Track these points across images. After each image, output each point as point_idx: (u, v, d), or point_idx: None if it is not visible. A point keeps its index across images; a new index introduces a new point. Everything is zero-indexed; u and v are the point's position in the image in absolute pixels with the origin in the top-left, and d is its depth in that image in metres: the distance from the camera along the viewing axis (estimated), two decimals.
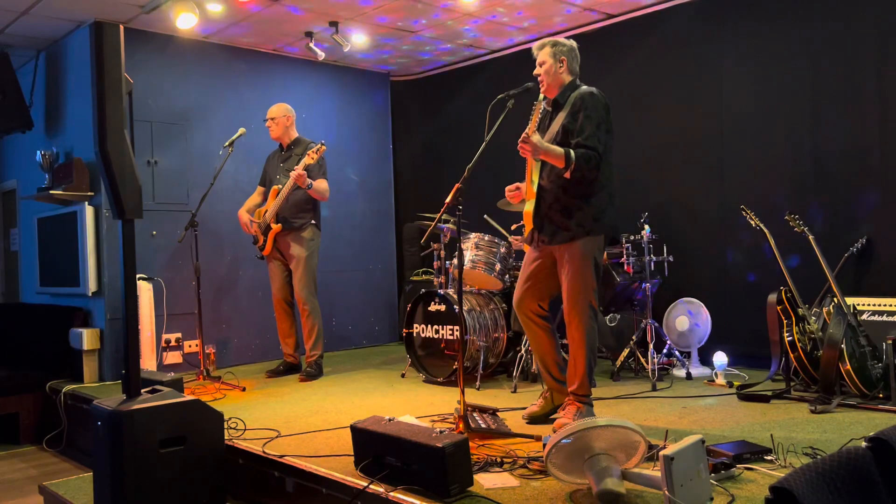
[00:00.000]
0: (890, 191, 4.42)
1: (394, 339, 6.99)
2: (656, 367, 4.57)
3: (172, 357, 5.60)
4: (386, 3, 5.22)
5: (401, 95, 7.25)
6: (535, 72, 3.60)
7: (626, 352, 4.85)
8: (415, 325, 5.01)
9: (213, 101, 5.93)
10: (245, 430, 3.69)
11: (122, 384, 3.15)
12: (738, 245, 5.05)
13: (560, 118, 3.52)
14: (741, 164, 5.05)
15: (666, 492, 2.20)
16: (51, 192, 5.45)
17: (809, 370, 4.05)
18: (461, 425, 3.30)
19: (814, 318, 4.16)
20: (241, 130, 5.23)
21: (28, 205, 6.25)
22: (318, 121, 6.48)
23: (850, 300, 4.06)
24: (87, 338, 5.26)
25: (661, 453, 2.24)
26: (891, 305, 4.11)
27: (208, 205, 5.32)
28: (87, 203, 5.40)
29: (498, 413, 3.61)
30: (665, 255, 4.88)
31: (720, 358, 4.54)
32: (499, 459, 2.97)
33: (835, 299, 4.01)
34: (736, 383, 4.36)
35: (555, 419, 3.59)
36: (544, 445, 2.66)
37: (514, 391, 4.49)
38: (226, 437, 3.40)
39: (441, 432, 2.72)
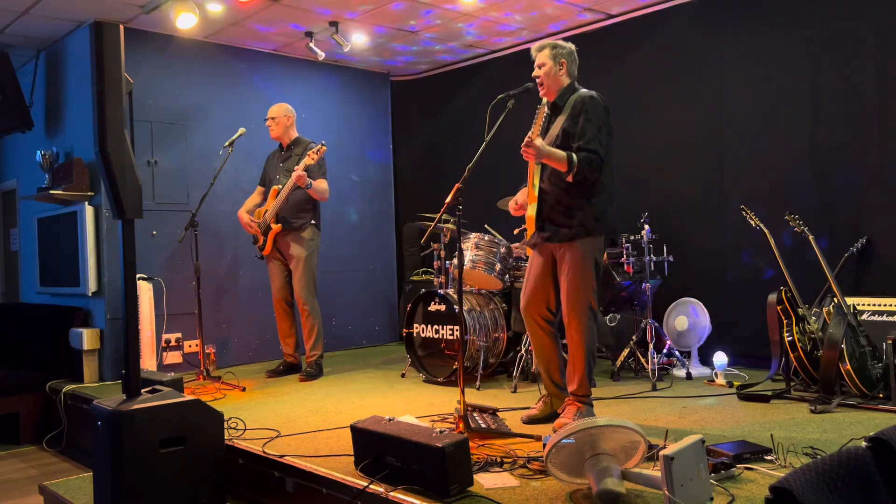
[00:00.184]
0: (890, 191, 4.42)
1: (394, 339, 6.99)
2: (656, 367, 4.57)
3: (172, 357, 5.60)
4: (386, 2, 5.22)
5: (401, 95, 7.25)
6: (534, 74, 3.60)
7: (626, 352, 4.85)
8: (415, 325, 5.01)
9: (213, 101, 5.93)
10: (245, 430, 3.69)
11: (122, 384, 3.15)
12: (739, 245, 5.05)
13: (560, 121, 3.52)
14: (741, 164, 5.05)
15: (666, 492, 2.20)
16: (51, 192, 5.45)
17: (809, 370, 4.05)
18: (461, 425, 3.31)
19: (814, 318, 4.16)
20: (241, 130, 5.23)
21: (28, 205, 6.25)
22: (318, 121, 6.48)
23: (850, 300, 4.06)
24: (87, 338, 5.26)
25: (661, 453, 2.24)
26: (891, 305, 4.11)
27: (208, 205, 5.32)
28: (87, 203, 5.40)
29: (498, 413, 3.61)
30: (665, 255, 4.88)
31: (720, 358, 4.54)
32: (499, 459, 2.97)
33: (835, 299, 4.01)
34: (736, 383, 4.37)
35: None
36: (544, 445, 2.66)
37: (514, 391, 4.49)
38: (226, 437, 3.40)
39: (441, 432, 2.72)
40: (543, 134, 3.57)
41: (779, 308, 4.20)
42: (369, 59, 6.66)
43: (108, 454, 2.98)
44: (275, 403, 4.40)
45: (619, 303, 5.05)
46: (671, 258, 4.87)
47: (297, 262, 5.11)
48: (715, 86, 5.19)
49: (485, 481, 2.73)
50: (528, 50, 3.69)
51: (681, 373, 4.78)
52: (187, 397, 3.25)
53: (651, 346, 4.63)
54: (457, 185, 3.37)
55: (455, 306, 4.66)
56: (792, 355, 4.11)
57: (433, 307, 4.88)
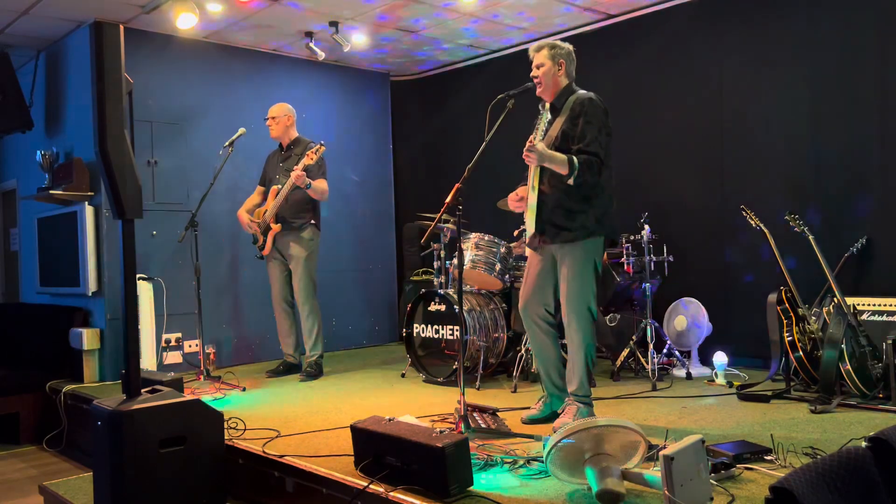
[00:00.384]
0: (890, 191, 4.42)
1: (394, 339, 6.98)
2: (656, 367, 4.57)
3: (172, 357, 5.60)
4: (386, 2, 5.22)
5: (401, 95, 7.24)
6: (533, 74, 3.59)
7: (626, 352, 4.85)
8: (415, 325, 5.01)
9: (213, 101, 5.93)
10: (245, 430, 3.69)
11: (122, 384, 3.15)
12: (738, 245, 5.05)
13: (559, 123, 3.52)
14: (741, 164, 5.05)
15: (666, 492, 2.20)
16: (51, 192, 5.45)
17: (809, 370, 4.05)
18: (461, 425, 3.31)
19: (814, 318, 4.16)
20: (241, 130, 5.23)
21: (28, 205, 6.25)
22: (317, 121, 6.48)
23: (850, 300, 4.05)
24: (87, 338, 5.26)
25: (661, 453, 2.24)
26: (891, 305, 4.11)
27: (208, 205, 5.31)
28: (87, 203, 5.40)
29: (498, 413, 3.61)
30: (665, 255, 4.88)
31: (720, 358, 4.54)
32: (499, 459, 2.97)
33: (835, 299, 4.01)
34: (736, 383, 4.37)
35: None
36: (544, 445, 2.66)
37: (514, 391, 4.49)
38: (226, 437, 3.40)
39: (441, 432, 2.72)
40: (542, 135, 3.57)
41: (779, 308, 4.21)
42: (369, 59, 6.66)
43: (108, 454, 2.98)
44: (275, 403, 4.40)
45: (619, 303, 5.04)
46: (671, 258, 4.87)
47: (297, 261, 5.11)
48: (715, 86, 5.18)
49: (485, 481, 2.73)
50: (528, 50, 3.69)
51: (681, 373, 4.78)
52: (187, 397, 3.26)
53: (651, 346, 4.63)
54: (457, 185, 3.37)
55: (455, 306, 4.66)
56: (792, 355, 4.11)
57: (433, 307, 4.88)
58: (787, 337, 4.14)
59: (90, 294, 5.37)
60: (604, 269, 4.92)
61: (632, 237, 4.85)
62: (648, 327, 4.69)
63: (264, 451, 3.31)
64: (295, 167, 4.94)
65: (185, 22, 5.08)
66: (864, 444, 1.86)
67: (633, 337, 4.87)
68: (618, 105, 4.77)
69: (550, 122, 3.59)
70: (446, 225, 5.12)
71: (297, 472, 3.10)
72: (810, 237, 4.23)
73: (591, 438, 2.53)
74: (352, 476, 2.88)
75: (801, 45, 4.76)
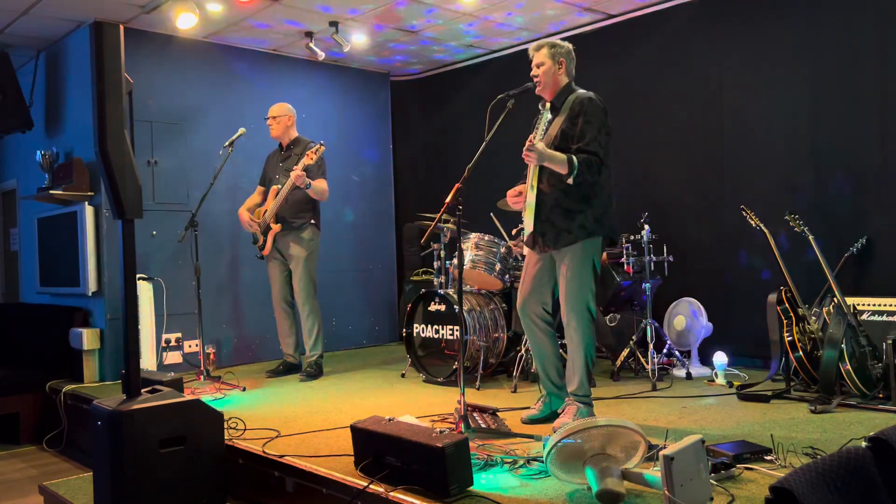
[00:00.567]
0: (890, 191, 4.42)
1: (394, 339, 6.98)
2: (656, 367, 4.57)
3: (172, 357, 5.60)
4: (386, 2, 5.22)
5: (400, 95, 7.25)
6: (532, 73, 3.59)
7: (626, 352, 4.85)
8: (415, 325, 5.01)
9: (213, 101, 5.93)
10: (245, 430, 3.69)
11: (122, 384, 3.15)
12: (739, 245, 5.05)
13: (558, 122, 3.52)
14: (741, 164, 5.05)
15: (666, 492, 2.20)
16: (51, 192, 5.45)
17: (809, 370, 4.05)
18: (461, 425, 3.31)
19: (814, 318, 4.16)
20: (241, 130, 5.23)
21: (28, 205, 6.25)
22: (318, 121, 6.48)
23: (850, 300, 4.06)
24: (87, 338, 5.26)
25: (661, 453, 2.24)
26: (891, 305, 4.11)
27: (208, 205, 5.31)
28: (87, 203, 5.40)
29: (498, 413, 3.61)
30: (665, 255, 4.88)
31: (720, 358, 4.54)
32: (499, 459, 2.97)
33: (835, 299, 4.01)
34: (736, 383, 4.37)
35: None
36: (544, 445, 2.66)
37: (514, 391, 4.49)
38: (226, 437, 3.40)
39: (441, 432, 2.72)
40: (542, 135, 3.57)
41: (779, 308, 4.21)
42: (369, 59, 6.66)
43: (108, 454, 2.98)
44: (275, 403, 4.40)
45: (619, 303, 5.04)
46: (671, 258, 4.87)
47: (297, 261, 5.12)
48: (715, 86, 5.18)
49: (485, 481, 2.73)
50: (528, 49, 3.68)
51: (681, 373, 4.78)
52: (187, 397, 3.26)
53: (651, 346, 4.63)
54: (457, 185, 3.37)
55: (455, 306, 4.66)
56: (792, 355, 4.11)
57: (433, 307, 4.88)
58: (787, 337, 4.14)
59: (90, 294, 5.37)
60: (604, 269, 4.92)
61: (632, 237, 4.85)
62: (648, 327, 4.69)
63: (264, 451, 3.31)
64: (295, 167, 4.94)
65: (185, 22, 5.08)
66: (864, 444, 1.86)
67: (633, 337, 4.87)
68: (618, 105, 4.77)
69: (550, 122, 3.59)
70: (446, 225, 5.12)
71: (297, 472, 3.10)
72: (810, 237, 4.23)
73: (590, 438, 2.53)
74: (352, 476, 2.88)
75: (801, 45, 4.76)
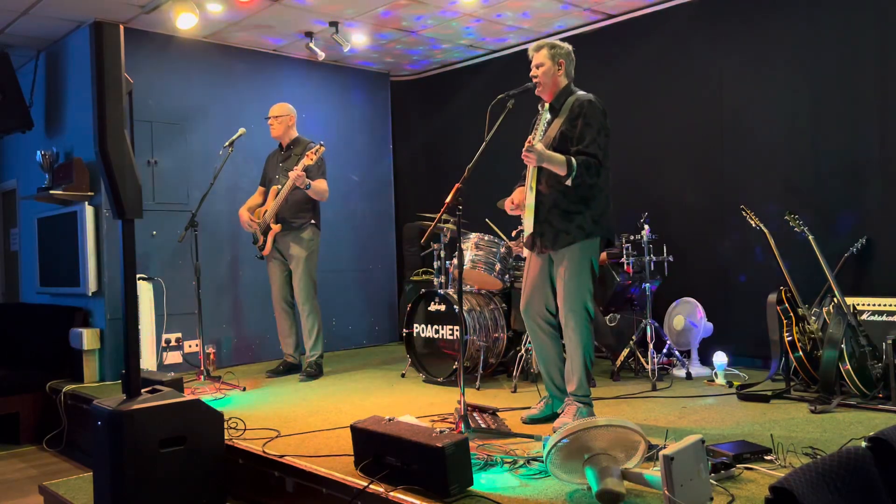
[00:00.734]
0: (890, 190, 4.42)
1: (394, 339, 6.98)
2: (656, 367, 4.57)
3: (172, 357, 5.60)
4: (386, 2, 5.22)
5: (401, 95, 7.25)
6: (532, 73, 3.59)
7: (626, 352, 4.85)
8: (415, 325, 5.01)
9: (213, 101, 5.93)
10: (245, 430, 3.69)
11: (122, 384, 3.15)
12: (739, 245, 5.05)
13: (557, 124, 3.52)
14: (741, 164, 5.05)
15: (666, 492, 2.20)
16: (51, 192, 5.45)
17: (809, 370, 4.05)
18: (461, 425, 3.31)
19: (814, 318, 4.16)
20: (241, 130, 5.23)
21: (28, 205, 6.25)
22: (318, 121, 6.48)
23: (850, 300, 4.06)
24: (87, 338, 5.26)
25: (661, 453, 2.24)
26: (891, 305, 4.11)
27: (208, 205, 5.31)
28: (87, 203, 5.40)
29: (498, 413, 3.61)
30: (665, 255, 4.88)
31: (720, 358, 4.54)
32: (499, 459, 2.97)
33: (835, 299, 4.01)
34: (736, 383, 4.37)
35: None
36: (544, 445, 2.66)
37: (514, 391, 4.49)
38: (226, 437, 3.40)
39: (441, 432, 2.72)
40: (541, 136, 3.57)
41: (779, 308, 4.21)
42: (369, 59, 6.66)
43: (108, 454, 2.98)
44: (275, 403, 4.40)
45: (618, 303, 5.04)
46: (671, 258, 4.87)
47: (297, 262, 5.12)
48: (715, 86, 5.18)
49: (485, 481, 2.73)
50: (527, 50, 3.68)
51: (681, 373, 4.78)
52: (187, 397, 3.26)
53: (651, 346, 4.63)
54: (457, 185, 3.37)
55: (455, 306, 4.66)
56: (792, 355, 4.11)
57: (433, 307, 4.88)
58: (787, 337, 4.14)
59: (90, 294, 5.37)
60: (603, 269, 4.93)
61: (632, 237, 4.85)
62: (648, 327, 4.69)
63: (264, 451, 3.31)
64: (294, 167, 4.94)
65: (185, 22, 5.07)
66: (864, 444, 1.86)
67: (633, 337, 4.87)
68: (618, 105, 4.77)
69: (549, 123, 3.59)
70: (446, 225, 5.12)
71: (297, 472, 3.10)
72: (810, 237, 4.23)
73: (590, 438, 2.53)
74: (352, 476, 2.88)
75: (801, 45, 4.76)
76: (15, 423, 5.15)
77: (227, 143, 5.17)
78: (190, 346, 5.68)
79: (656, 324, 4.75)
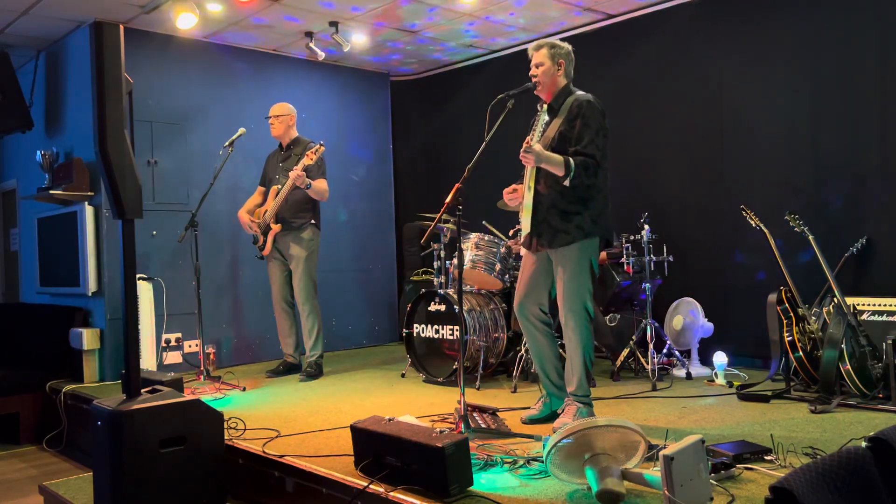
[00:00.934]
0: (890, 190, 4.42)
1: (394, 339, 6.98)
2: (656, 367, 4.57)
3: (172, 357, 5.60)
4: (386, 2, 5.22)
5: (401, 95, 7.25)
6: (532, 73, 3.59)
7: (626, 352, 4.85)
8: (415, 325, 5.01)
9: (213, 101, 5.93)
10: (245, 430, 3.69)
11: (122, 384, 3.15)
12: (739, 245, 5.05)
13: (556, 124, 3.52)
14: (741, 164, 5.05)
15: (666, 492, 2.20)
16: (51, 192, 5.45)
17: (809, 370, 4.05)
18: (461, 425, 3.31)
19: (814, 318, 4.16)
20: (241, 130, 5.23)
21: (28, 205, 6.25)
22: (318, 121, 6.48)
23: (850, 300, 4.06)
24: (87, 338, 5.26)
25: (661, 453, 2.23)
26: (891, 305, 4.11)
27: (208, 205, 5.32)
28: (87, 203, 5.40)
29: (498, 413, 3.61)
30: (665, 255, 4.88)
31: (720, 358, 4.54)
32: (499, 459, 2.97)
33: (835, 299, 4.01)
34: (736, 383, 4.37)
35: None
36: (544, 445, 2.66)
37: (514, 391, 4.49)
38: (226, 437, 3.40)
39: (441, 432, 2.72)
40: (539, 136, 3.57)
41: (779, 308, 4.20)
42: (369, 59, 6.66)
43: (108, 454, 2.98)
44: (275, 403, 4.40)
45: (619, 303, 5.04)
46: (671, 258, 4.87)
47: (297, 262, 5.12)
48: (715, 86, 5.18)
49: (485, 481, 2.73)
50: (527, 50, 3.68)
51: (681, 373, 4.78)
52: (187, 397, 3.26)
53: (651, 346, 4.63)
54: (457, 185, 3.37)
55: (455, 306, 4.66)
56: (792, 355, 4.11)
57: (433, 307, 4.88)
58: (787, 337, 4.14)
59: (90, 294, 5.37)
60: (603, 269, 4.93)
61: (632, 237, 4.84)
62: (648, 327, 4.69)
63: (264, 451, 3.31)
64: (294, 167, 4.94)
65: (185, 22, 5.08)
66: (864, 444, 1.86)
67: (633, 337, 4.87)
68: (618, 105, 4.77)
69: (547, 123, 3.59)
70: (446, 225, 5.12)
71: (297, 472, 3.10)
72: (810, 237, 4.23)
73: (591, 438, 2.53)
74: (352, 476, 2.88)
75: (801, 45, 4.76)
76: (15, 423, 5.15)
77: (227, 143, 5.17)
78: (190, 346, 5.68)
79: (656, 324, 4.74)
